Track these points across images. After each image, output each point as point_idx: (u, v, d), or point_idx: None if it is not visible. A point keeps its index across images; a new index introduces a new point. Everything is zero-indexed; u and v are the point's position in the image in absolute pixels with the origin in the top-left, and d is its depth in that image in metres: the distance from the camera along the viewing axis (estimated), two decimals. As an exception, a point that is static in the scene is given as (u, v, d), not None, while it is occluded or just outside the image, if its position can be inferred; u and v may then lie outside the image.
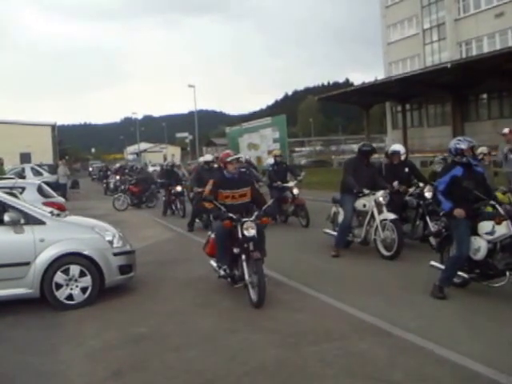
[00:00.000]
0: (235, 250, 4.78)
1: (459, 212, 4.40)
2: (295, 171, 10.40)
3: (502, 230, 4.35)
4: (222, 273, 4.99)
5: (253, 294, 4.55)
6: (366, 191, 6.55)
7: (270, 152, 21.26)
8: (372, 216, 6.57)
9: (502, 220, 4.32)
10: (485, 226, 4.45)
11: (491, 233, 4.40)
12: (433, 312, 4.33)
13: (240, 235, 4.67)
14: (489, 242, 4.43)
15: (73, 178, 21.29)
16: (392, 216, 6.39)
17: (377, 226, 6.48)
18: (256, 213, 4.90)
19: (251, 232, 4.64)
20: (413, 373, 3.14)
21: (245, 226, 4.66)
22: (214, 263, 5.25)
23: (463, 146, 4.55)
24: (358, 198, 6.66)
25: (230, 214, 4.81)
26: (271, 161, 10.47)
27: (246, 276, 4.58)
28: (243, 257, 4.65)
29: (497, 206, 4.52)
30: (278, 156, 10.30)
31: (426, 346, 3.51)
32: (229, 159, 5.15)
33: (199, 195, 9.52)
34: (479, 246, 4.45)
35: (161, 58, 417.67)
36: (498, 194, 5.27)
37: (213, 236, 5.21)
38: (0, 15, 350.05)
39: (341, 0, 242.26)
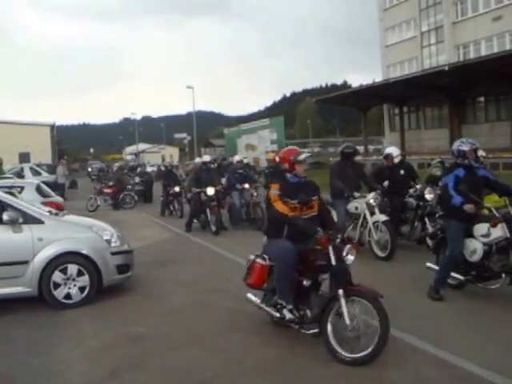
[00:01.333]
0: (305, 283, 3.62)
1: (469, 207, 4.43)
2: None
3: (497, 232, 4.39)
4: (287, 315, 3.62)
5: (344, 349, 3.31)
6: (357, 194, 6.63)
7: (271, 152, 21.45)
8: (365, 218, 6.64)
9: (497, 223, 4.36)
10: (480, 228, 4.49)
11: (486, 235, 4.43)
12: (429, 313, 4.35)
13: (334, 262, 3.42)
14: (484, 244, 4.46)
15: (71, 177, 21.29)
16: (384, 218, 6.47)
17: (370, 228, 6.54)
18: (339, 235, 3.62)
19: (350, 259, 3.48)
20: (409, 373, 3.17)
21: (346, 249, 3.47)
22: (254, 298, 4.06)
23: (465, 147, 4.59)
24: (349, 201, 6.75)
25: (320, 229, 3.63)
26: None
27: (347, 321, 3.27)
28: (340, 292, 3.32)
29: (492, 208, 4.56)
30: (270, 160, 10.39)
31: (422, 347, 3.54)
32: (299, 158, 3.82)
33: (197, 196, 9.58)
34: (475, 248, 4.49)
35: (160, 58, 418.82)
36: (493, 197, 5.31)
37: (260, 261, 3.89)
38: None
39: (339, 2, 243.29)
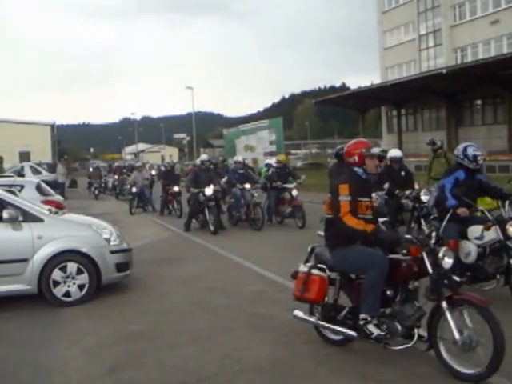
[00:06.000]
0: (389, 293, 3.29)
1: (462, 211, 4.49)
2: (296, 175, 10.56)
3: (490, 235, 4.43)
4: (375, 332, 3.22)
5: (462, 365, 3.01)
6: None
7: (272, 154, 21.68)
8: None
9: (490, 226, 4.41)
10: (474, 230, 4.53)
11: (480, 238, 4.48)
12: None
13: (430, 269, 3.11)
14: (478, 246, 4.50)
15: (71, 177, 21.46)
16: (382, 219, 6.51)
17: None
18: (433, 235, 3.28)
19: (448, 263, 3.14)
20: (404, 372, 3.19)
21: (442, 252, 3.13)
22: (307, 316, 3.65)
23: (479, 153, 4.69)
24: None
25: (409, 236, 3.34)
26: (274, 161, 10.69)
27: (456, 334, 2.96)
28: (444, 305, 3.03)
29: (485, 211, 4.61)
30: (281, 162, 10.48)
31: (417, 347, 3.58)
32: (375, 151, 3.46)
33: (196, 196, 9.63)
34: (469, 250, 4.52)
35: (160, 58, 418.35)
36: (486, 199, 5.37)
37: (319, 273, 3.51)
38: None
39: (338, 5, 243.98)
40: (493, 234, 4.42)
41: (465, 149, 4.72)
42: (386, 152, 7.73)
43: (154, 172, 22.11)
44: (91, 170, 25.02)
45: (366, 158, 3.43)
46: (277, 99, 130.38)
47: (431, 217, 5.77)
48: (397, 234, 3.33)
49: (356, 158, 3.44)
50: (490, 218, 4.50)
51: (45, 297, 4.92)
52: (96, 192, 20.30)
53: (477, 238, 4.49)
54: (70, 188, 22.20)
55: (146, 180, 14.17)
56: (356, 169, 3.47)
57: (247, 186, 9.85)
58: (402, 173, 7.27)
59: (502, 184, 6.76)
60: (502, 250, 4.43)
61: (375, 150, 3.44)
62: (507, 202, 5.02)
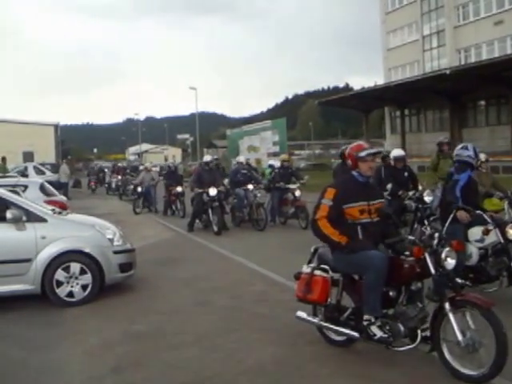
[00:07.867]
0: (391, 294, 3.26)
1: (461, 214, 4.48)
2: (299, 175, 10.56)
3: (490, 238, 4.43)
4: (378, 333, 3.21)
5: (465, 366, 3.01)
6: None
7: (275, 155, 21.70)
8: None
9: (489, 231, 4.39)
10: (474, 233, 4.52)
11: (480, 240, 4.47)
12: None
13: (433, 270, 3.09)
14: (480, 248, 4.49)
15: (75, 177, 21.70)
16: None
17: None
18: (435, 236, 3.25)
19: (451, 264, 3.12)
20: (407, 373, 3.19)
21: (445, 252, 3.11)
22: (311, 317, 3.64)
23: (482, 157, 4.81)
24: None
25: (412, 237, 3.41)
26: (277, 164, 10.72)
27: (459, 336, 2.96)
28: (446, 306, 3.02)
29: (484, 215, 4.58)
30: (286, 161, 10.49)
31: (420, 348, 3.56)
32: (364, 153, 3.41)
33: (199, 196, 9.65)
34: (471, 252, 4.51)
35: (163, 58, 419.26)
36: (493, 200, 5.36)
37: (322, 274, 3.50)
38: (1, 15, 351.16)
39: (341, 5, 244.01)
40: (493, 237, 4.42)
41: (474, 148, 4.76)
42: (388, 153, 7.72)
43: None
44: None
45: (358, 161, 3.43)
46: (280, 100, 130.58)
47: (431, 218, 5.76)
48: (367, 242, 3.27)
49: (350, 161, 3.52)
50: (489, 221, 4.48)
51: (48, 297, 4.94)
52: (94, 187, 22.98)
53: (477, 241, 4.49)
54: (73, 188, 22.29)
55: (152, 180, 14.24)
56: (354, 172, 3.49)
57: (250, 186, 9.86)
58: (405, 173, 7.26)
59: (506, 185, 6.73)
60: (503, 252, 4.41)
61: (364, 153, 3.41)
62: (506, 203, 5.01)
